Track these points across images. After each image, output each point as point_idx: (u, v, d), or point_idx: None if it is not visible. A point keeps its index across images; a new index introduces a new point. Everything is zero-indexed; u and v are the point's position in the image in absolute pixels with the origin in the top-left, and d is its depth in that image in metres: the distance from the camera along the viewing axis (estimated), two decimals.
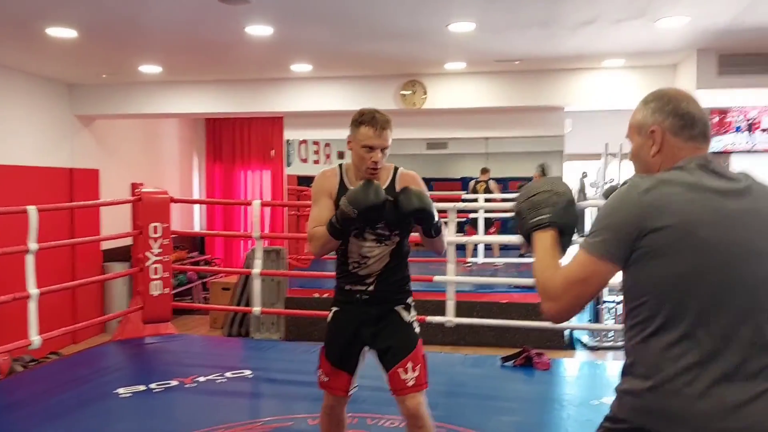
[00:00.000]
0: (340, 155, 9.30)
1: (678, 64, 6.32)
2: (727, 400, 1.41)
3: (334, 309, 2.81)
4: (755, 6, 4.36)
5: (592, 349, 6.52)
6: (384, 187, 2.60)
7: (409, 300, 2.78)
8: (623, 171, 7.11)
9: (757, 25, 4.85)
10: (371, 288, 2.69)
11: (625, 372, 1.57)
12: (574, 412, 3.97)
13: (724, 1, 4.31)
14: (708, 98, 6.66)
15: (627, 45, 5.57)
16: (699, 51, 5.69)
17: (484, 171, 8.69)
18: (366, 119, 2.57)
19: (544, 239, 1.65)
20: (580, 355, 6.40)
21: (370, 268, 2.67)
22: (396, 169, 2.74)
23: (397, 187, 2.64)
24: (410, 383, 2.63)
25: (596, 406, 4.04)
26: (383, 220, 2.59)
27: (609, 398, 4.28)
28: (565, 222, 1.68)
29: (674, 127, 1.59)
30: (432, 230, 2.62)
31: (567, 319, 1.61)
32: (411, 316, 2.76)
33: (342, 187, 2.67)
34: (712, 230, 1.45)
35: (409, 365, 2.65)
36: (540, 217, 1.67)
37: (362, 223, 2.56)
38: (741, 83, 5.73)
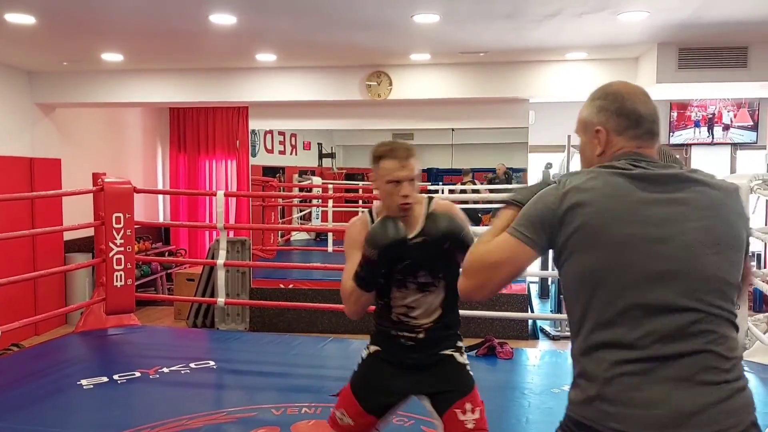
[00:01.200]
0: (306, 146, 9.27)
1: (639, 58, 6.43)
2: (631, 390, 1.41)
3: (374, 348, 2.51)
4: (713, 1, 4.46)
5: (555, 338, 6.64)
6: (420, 222, 2.36)
7: (460, 343, 2.49)
8: None
9: (715, 20, 4.96)
10: (420, 336, 2.40)
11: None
12: (536, 399, 4.04)
13: None
14: (668, 92, 6.82)
15: (590, 38, 5.66)
16: (659, 45, 5.80)
17: (466, 173, 8.83)
18: (385, 151, 2.32)
19: (501, 215, 1.66)
20: (543, 344, 6.51)
21: (417, 320, 2.40)
22: (429, 200, 2.45)
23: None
24: (469, 425, 2.33)
25: (557, 394, 4.12)
26: (407, 258, 2.31)
27: (569, 386, 4.37)
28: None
29: (619, 127, 1.55)
30: None
31: (480, 297, 1.61)
32: (464, 359, 2.47)
33: None
34: (624, 226, 1.43)
35: (468, 406, 2.35)
36: (508, 197, 1.70)
37: (385, 266, 2.28)
38: (700, 77, 5.85)
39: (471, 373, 2.46)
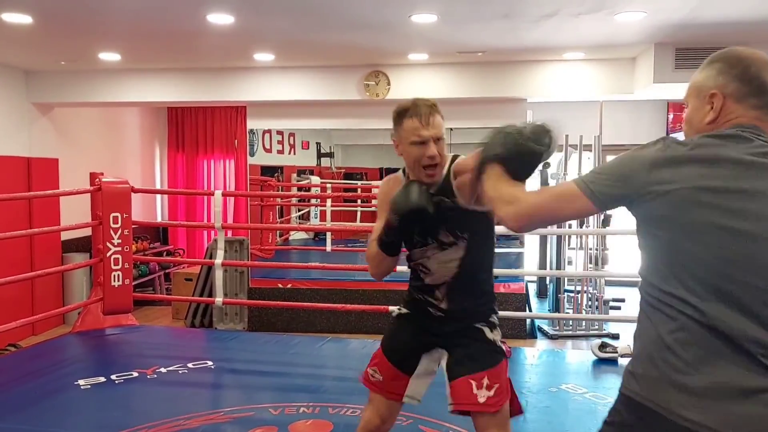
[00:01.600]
0: (304, 145, 9.27)
1: (636, 58, 6.44)
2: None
3: (404, 311, 2.45)
4: (710, 1, 4.46)
5: (553, 337, 6.65)
6: (440, 181, 2.23)
7: (493, 318, 2.34)
8: (584, 163, 7.24)
9: (712, 20, 4.96)
10: (443, 305, 2.30)
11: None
12: (533, 398, 4.05)
13: None
14: (665, 92, 6.83)
15: (587, 38, 5.66)
16: (656, 45, 5.80)
17: None
18: (408, 111, 2.19)
19: (492, 171, 1.65)
20: (541, 343, 6.52)
21: (434, 277, 2.30)
22: (453, 159, 2.28)
23: (452, 182, 2.23)
24: (481, 399, 2.17)
25: (554, 393, 4.13)
26: (428, 224, 2.21)
27: (567, 385, 4.39)
28: (510, 157, 1.67)
29: (739, 93, 1.39)
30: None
31: (527, 226, 1.54)
32: (495, 334, 2.31)
33: None
34: (716, 206, 1.31)
35: (486, 381, 2.19)
36: (486, 154, 1.69)
37: (406, 232, 2.21)
38: None
39: (502, 350, 2.30)
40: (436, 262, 2.29)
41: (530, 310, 7.25)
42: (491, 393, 2.18)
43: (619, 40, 5.69)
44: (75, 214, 6.99)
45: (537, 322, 6.89)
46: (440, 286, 2.30)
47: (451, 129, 8.40)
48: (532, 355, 5.15)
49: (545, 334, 6.75)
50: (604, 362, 4.81)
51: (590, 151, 8.27)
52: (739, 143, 1.35)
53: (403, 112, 2.20)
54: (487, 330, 2.29)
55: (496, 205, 1.57)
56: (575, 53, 6.35)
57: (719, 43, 5.63)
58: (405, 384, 2.36)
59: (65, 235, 7.46)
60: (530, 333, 6.74)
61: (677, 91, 6.82)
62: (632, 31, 5.34)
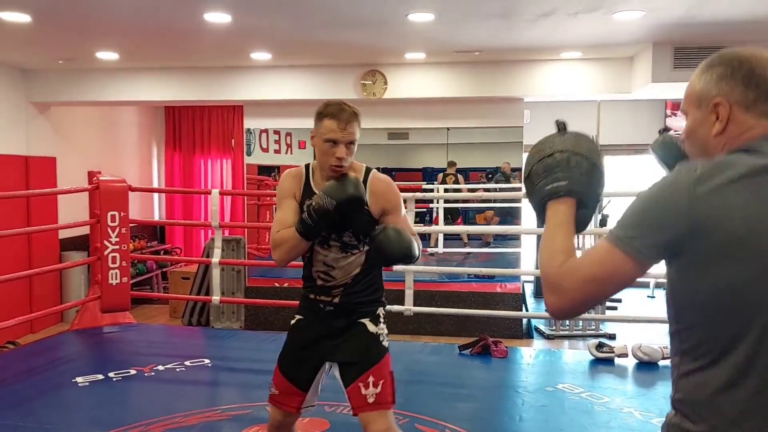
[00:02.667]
0: (301, 145, 9.27)
1: (634, 57, 6.45)
2: None
3: (297, 317, 2.57)
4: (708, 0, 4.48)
5: (549, 337, 6.65)
6: None
7: (380, 310, 2.52)
8: None
9: (710, 19, 4.97)
10: (336, 300, 2.46)
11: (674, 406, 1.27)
12: (529, 398, 4.07)
13: None
14: (663, 91, 6.83)
15: (584, 37, 5.67)
16: (654, 44, 5.81)
17: (451, 164, 8.78)
18: (330, 111, 2.34)
19: (558, 212, 1.33)
20: (537, 343, 6.53)
21: (336, 280, 2.44)
22: (368, 170, 2.49)
23: (368, 192, 2.39)
24: (370, 399, 2.36)
25: (551, 393, 4.15)
26: (355, 220, 2.35)
27: (563, 384, 4.40)
28: (585, 191, 1.35)
29: (746, 100, 1.22)
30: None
31: (573, 316, 1.36)
32: (379, 328, 2.49)
33: (307, 189, 2.45)
34: None
35: (371, 379, 2.38)
36: (554, 185, 1.34)
37: (338, 217, 2.28)
38: None
39: (385, 343, 2.48)
40: (341, 272, 2.44)
41: (527, 310, 7.26)
42: (378, 389, 2.37)
43: (617, 39, 5.70)
44: (73, 213, 7.00)
45: (534, 322, 6.90)
46: (337, 287, 2.46)
47: (448, 129, 8.41)
48: (528, 355, 5.17)
49: (542, 334, 6.76)
50: (601, 362, 4.82)
51: None
52: None
53: (327, 111, 2.36)
54: (370, 324, 2.47)
55: (543, 280, 1.28)
56: (573, 52, 6.36)
57: (718, 42, 5.66)
58: (300, 396, 2.51)
59: (63, 234, 7.46)
60: (527, 333, 6.75)
61: (676, 90, 6.83)
62: (630, 30, 5.35)
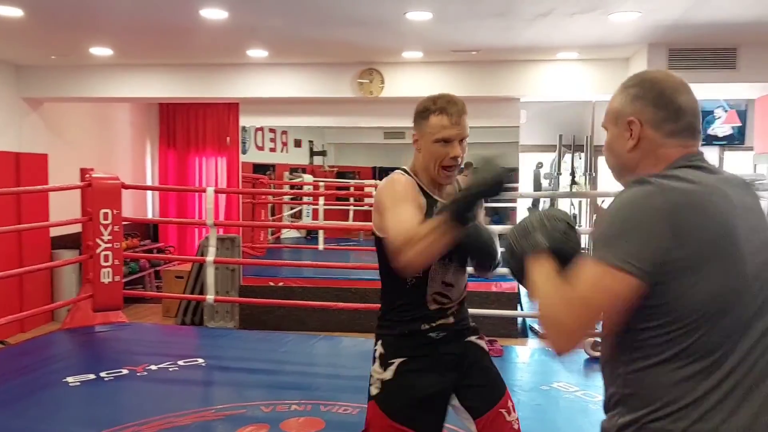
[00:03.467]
0: (297, 143, 9.24)
1: (630, 58, 6.44)
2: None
3: (398, 361, 2.07)
4: (704, 1, 4.47)
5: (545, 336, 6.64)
6: (455, 187, 2.16)
7: (474, 324, 2.23)
8: (576, 163, 7.25)
9: (705, 21, 4.97)
10: (450, 320, 2.10)
11: (621, 404, 1.32)
12: (525, 396, 4.05)
13: None
14: None
15: (581, 38, 5.66)
16: (650, 45, 5.81)
17: (468, 165, 8.79)
18: (438, 106, 2.07)
19: (541, 265, 1.38)
20: (533, 342, 6.52)
21: (452, 301, 2.10)
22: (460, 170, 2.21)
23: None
24: (516, 426, 2.09)
25: (546, 391, 4.13)
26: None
27: (558, 383, 4.38)
28: (561, 248, 1.42)
29: (655, 118, 1.35)
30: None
31: (575, 350, 1.33)
32: (486, 344, 2.24)
33: (426, 195, 2.09)
34: (743, 234, 1.26)
35: (510, 405, 2.12)
36: (532, 242, 1.43)
37: (489, 196, 1.92)
38: (690, 78, 5.73)
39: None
40: (457, 290, 2.11)
41: (522, 309, 7.24)
42: (516, 413, 2.12)
43: (613, 40, 5.69)
44: (64, 211, 6.94)
45: (529, 321, 6.89)
46: (452, 308, 2.11)
47: None
48: (524, 354, 5.15)
49: (537, 333, 6.74)
50: (596, 361, 4.80)
51: (582, 151, 8.29)
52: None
53: (432, 107, 2.08)
54: (480, 342, 2.19)
55: (548, 327, 1.31)
56: (569, 53, 6.35)
57: (712, 44, 5.67)
58: None
59: (54, 231, 7.40)
60: (522, 332, 6.74)
61: None
62: (626, 31, 5.35)
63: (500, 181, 1.88)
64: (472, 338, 2.17)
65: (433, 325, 2.07)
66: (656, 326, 1.24)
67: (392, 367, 2.06)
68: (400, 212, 1.95)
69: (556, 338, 1.28)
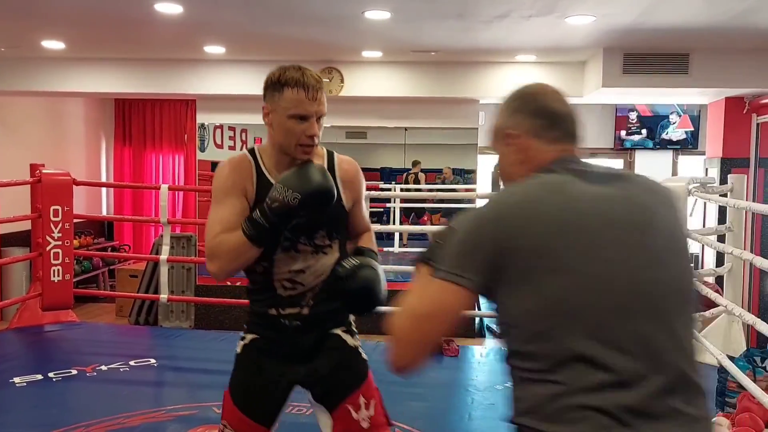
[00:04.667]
0: (257, 142, 9.16)
1: (586, 62, 6.54)
2: None
3: (250, 337, 2.05)
4: (657, 6, 4.56)
5: (501, 336, 6.69)
6: None
7: (351, 321, 2.11)
8: None
9: (658, 26, 5.07)
10: (305, 311, 1.98)
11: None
12: (480, 396, 4.08)
13: (627, 1, 4.48)
14: (613, 96, 6.96)
15: (538, 41, 5.73)
16: (605, 49, 5.90)
17: (415, 163, 8.82)
18: (292, 78, 1.85)
19: (420, 275, 1.36)
20: (489, 342, 6.57)
21: (304, 286, 1.97)
22: (331, 154, 2.05)
23: (338, 180, 1.99)
24: (365, 424, 1.97)
25: (500, 391, 4.16)
26: (329, 216, 1.94)
27: None
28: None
29: (534, 128, 1.37)
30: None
31: (416, 368, 1.31)
32: (356, 339, 2.08)
33: (262, 181, 1.93)
34: (583, 238, 1.22)
35: (362, 400, 1.98)
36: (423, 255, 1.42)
37: (303, 216, 1.85)
38: (644, 82, 5.99)
39: (365, 357, 2.08)
40: (312, 276, 1.97)
41: (479, 309, 7.29)
42: (371, 411, 1.99)
43: (570, 43, 5.77)
44: (14, 207, 6.76)
45: (485, 321, 6.94)
46: (305, 295, 1.98)
47: (406, 129, 8.43)
48: (479, 354, 5.19)
49: (493, 333, 6.80)
50: None
51: None
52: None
53: (287, 77, 1.86)
54: (348, 337, 2.06)
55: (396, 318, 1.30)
56: (527, 56, 6.42)
57: (666, 48, 5.78)
58: None
59: (3, 229, 7.17)
60: (479, 332, 6.79)
61: (625, 95, 6.96)
62: (582, 34, 5.42)
63: (327, 191, 1.83)
64: (337, 330, 2.05)
65: (283, 312, 1.98)
66: (504, 333, 1.29)
67: (243, 342, 2.06)
68: (213, 215, 1.90)
69: (392, 353, 1.30)
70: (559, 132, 1.38)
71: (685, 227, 1.40)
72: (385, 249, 8.43)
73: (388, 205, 8.57)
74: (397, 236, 8.56)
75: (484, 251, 1.23)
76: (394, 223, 8.51)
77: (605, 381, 1.16)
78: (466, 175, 8.67)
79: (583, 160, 1.37)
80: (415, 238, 8.75)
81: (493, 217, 1.26)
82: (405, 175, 8.87)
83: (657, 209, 1.30)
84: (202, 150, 8.51)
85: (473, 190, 8.17)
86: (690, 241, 1.86)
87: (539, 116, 1.38)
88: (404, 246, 8.66)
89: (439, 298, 1.26)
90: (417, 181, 8.84)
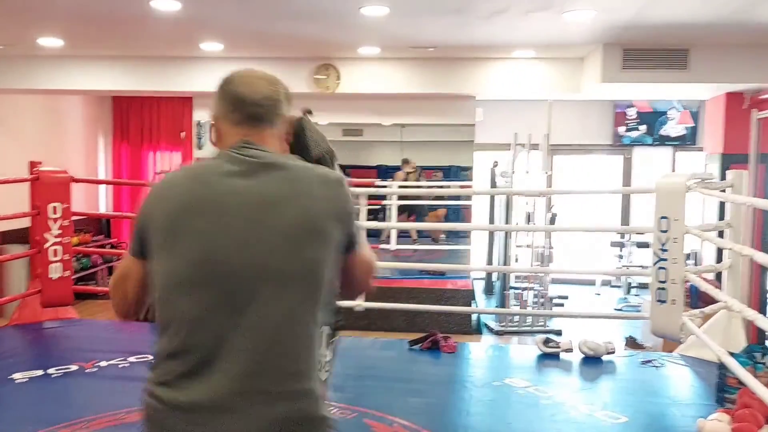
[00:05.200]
0: None
1: (585, 57, 6.54)
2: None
3: None
4: (656, 2, 4.56)
5: (498, 333, 6.71)
6: None
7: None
8: (532, 161, 7.33)
9: (658, 22, 5.07)
10: None
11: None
12: (477, 392, 4.08)
13: None
14: (613, 92, 6.96)
15: (537, 36, 5.73)
16: (605, 45, 5.90)
17: (406, 162, 8.79)
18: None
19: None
20: (486, 339, 6.59)
21: None
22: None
23: None
24: None
25: (498, 387, 4.17)
26: None
27: (510, 379, 4.43)
28: None
29: (223, 112, 1.48)
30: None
31: (129, 318, 1.62)
32: None
33: None
34: (196, 220, 1.36)
35: None
36: None
37: None
38: (643, 78, 5.99)
39: None
40: None
41: (477, 306, 7.32)
42: None
43: (569, 39, 5.77)
44: (13, 205, 6.76)
45: (483, 318, 6.96)
46: None
47: (402, 126, 8.42)
48: (477, 350, 5.19)
49: (491, 330, 6.81)
50: (547, 357, 4.87)
51: (538, 150, 8.38)
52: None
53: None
54: None
55: None
56: (525, 51, 6.42)
57: (666, 44, 5.78)
58: None
59: (2, 226, 7.19)
60: (476, 329, 6.80)
61: (624, 91, 6.96)
62: (581, 30, 5.42)
63: None
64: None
65: None
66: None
67: None
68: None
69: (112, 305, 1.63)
70: (240, 116, 1.46)
71: (330, 215, 1.43)
72: (381, 246, 8.45)
73: (384, 202, 8.56)
74: (393, 233, 8.56)
75: (137, 229, 1.45)
76: (390, 221, 8.50)
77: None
78: (463, 172, 8.67)
79: (258, 145, 1.43)
80: (404, 235, 8.74)
81: (145, 201, 1.45)
82: (402, 173, 8.82)
83: (286, 201, 1.38)
84: (200, 147, 8.52)
85: (470, 186, 8.18)
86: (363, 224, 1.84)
87: (226, 100, 1.47)
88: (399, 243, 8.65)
89: (125, 265, 1.53)
90: (416, 179, 8.81)
